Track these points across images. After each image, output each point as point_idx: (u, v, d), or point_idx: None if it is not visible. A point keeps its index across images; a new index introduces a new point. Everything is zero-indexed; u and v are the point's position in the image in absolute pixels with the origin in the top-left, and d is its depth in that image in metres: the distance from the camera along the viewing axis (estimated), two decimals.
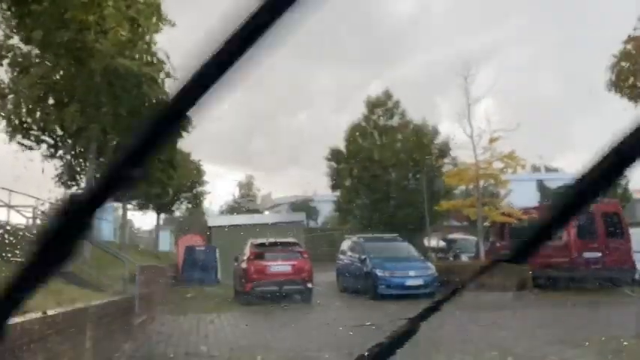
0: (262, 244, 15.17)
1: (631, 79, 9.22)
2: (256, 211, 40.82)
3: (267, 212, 43.13)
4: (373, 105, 25.00)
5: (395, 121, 24.66)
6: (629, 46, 9.16)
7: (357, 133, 24.67)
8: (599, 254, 15.26)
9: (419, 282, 14.98)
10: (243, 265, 14.92)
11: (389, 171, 23.70)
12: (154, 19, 13.64)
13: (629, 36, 9.11)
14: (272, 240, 15.55)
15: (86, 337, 5.26)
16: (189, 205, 34.98)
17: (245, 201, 41.60)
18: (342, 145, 25.58)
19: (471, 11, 63.12)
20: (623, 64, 9.23)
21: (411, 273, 15.15)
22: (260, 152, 62.22)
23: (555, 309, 12.50)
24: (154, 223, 34.47)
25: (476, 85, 18.58)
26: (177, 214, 38.21)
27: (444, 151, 23.47)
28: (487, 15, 63.63)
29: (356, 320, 11.61)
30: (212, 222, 30.02)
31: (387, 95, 25.08)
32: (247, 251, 15.19)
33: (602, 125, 48.97)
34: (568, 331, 9.10)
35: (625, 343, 7.76)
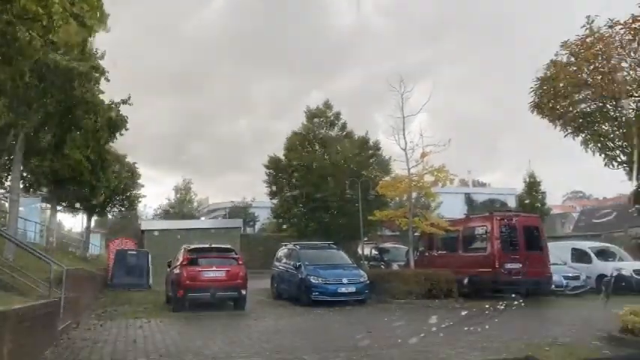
0: (196, 250, 15.01)
1: (551, 102, 9.90)
2: (192, 216, 40.17)
3: (203, 217, 42.57)
4: (313, 115, 25.33)
5: (335, 131, 25.10)
6: (550, 71, 9.85)
7: (297, 142, 24.91)
8: (520, 265, 16.16)
9: (351, 289, 15.34)
10: (176, 270, 14.71)
11: (327, 180, 24.06)
12: (97, 19, 13.32)
13: (550, 60, 9.80)
14: (206, 245, 15.42)
15: (3, 343, 5.11)
16: (123, 209, 33.97)
17: (181, 205, 40.83)
18: (281, 153, 25.74)
19: (409, 30, 65.32)
20: (545, 87, 9.90)
21: (344, 280, 15.47)
22: (198, 157, 61.35)
23: (477, 317, 13.14)
24: (85, 225, 33.21)
25: (411, 101, 19.25)
26: (110, 217, 36.98)
27: (380, 162, 24.11)
28: (423, 35, 66.01)
29: (288, 327, 11.77)
30: (146, 226, 29.33)
31: (327, 106, 25.49)
32: (181, 256, 14.99)
33: (526, 144, 51.73)
34: (489, 337, 9.64)
35: (546, 348, 8.33)
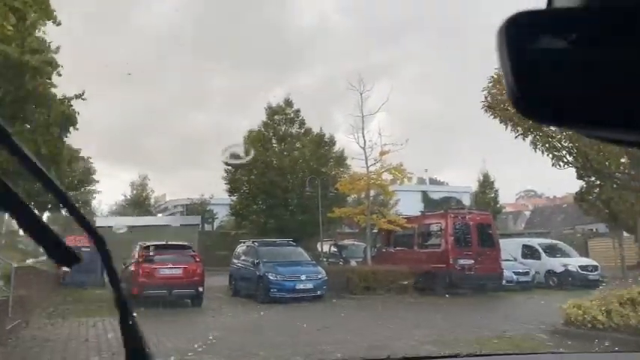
0: (152, 247, 14.81)
1: (503, 103, 10.20)
2: (149, 212, 39.46)
3: (160, 214, 41.86)
4: (273, 112, 25.31)
5: (294, 129, 25.15)
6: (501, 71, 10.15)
7: (257, 139, 24.84)
8: (473, 261, 16.63)
9: (309, 286, 15.44)
10: (132, 267, 14.48)
11: (286, 178, 24.11)
12: (40, 14, 12.93)
13: None
14: (162, 242, 15.23)
15: None
16: (77, 205, 33.03)
17: (137, 202, 40.03)
18: (240, 150, 25.62)
19: (368, 30, 65.86)
20: (498, 86, 10.19)
21: (302, 277, 15.56)
22: (155, 152, 60.14)
23: (431, 311, 13.49)
24: None
25: (370, 100, 19.54)
26: (63, 213, 35.93)
27: (340, 160, 24.33)
28: (382, 34, 66.64)
29: (245, 324, 11.78)
30: (100, 222, 28.66)
31: (288, 103, 25.51)
32: (136, 254, 14.77)
33: (480, 143, 53.24)
34: (440, 331, 9.92)
35: (495, 341, 8.64)
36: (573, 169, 12.85)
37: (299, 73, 65.76)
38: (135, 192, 40.64)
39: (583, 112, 0.48)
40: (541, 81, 0.48)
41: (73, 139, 21.17)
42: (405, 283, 16.19)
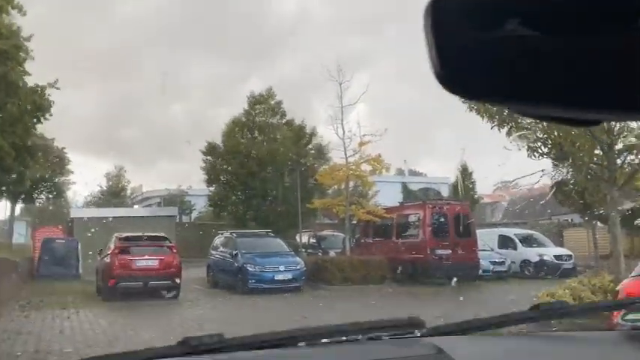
0: (128, 238, 14.65)
1: None
2: (125, 203, 38.94)
3: (137, 206, 41.32)
4: (255, 101, 25.10)
5: (276, 119, 24.99)
6: None
7: (237, 129, 24.59)
8: (450, 251, 16.81)
9: (288, 276, 15.45)
10: (107, 259, 14.31)
11: (266, 168, 23.98)
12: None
13: None
14: (139, 234, 15.07)
15: None
16: (50, 196, 32.44)
17: (114, 193, 39.47)
18: (219, 140, 25.39)
19: (348, 19, 65.54)
20: None
21: (281, 268, 15.55)
22: (131, 142, 59.17)
23: (409, 301, 13.62)
24: (9, 213, 31.47)
25: (350, 90, 19.48)
26: (38, 204, 35.20)
27: (320, 151, 24.28)
28: (362, 24, 66.47)
29: (224, 315, 11.74)
30: (75, 214, 28.20)
31: (270, 93, 25.31)
32: (112, 245, 14.59)
33: (459, 134, 53.68)
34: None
35: None
36: (549, 161, 13.06)
37: (277, 63, 65.33)
38: (111, 183, 40.03)
39: (505, 88, 0.48)
40: (464, 58, 0.48)
41: (47, 128, 20.76)
42: (384, 273, 16.31)
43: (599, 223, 24.61)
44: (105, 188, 39.92)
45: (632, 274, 2.60)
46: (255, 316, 11.43)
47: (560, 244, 24.22)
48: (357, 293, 14.46)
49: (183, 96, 66.92)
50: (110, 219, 26.49)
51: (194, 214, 38.89)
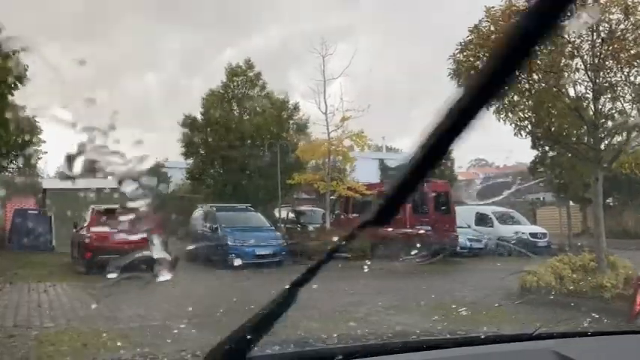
0: (106, 210, 14.33)
1: (471, 70, 10.14)
2: (100, 174, 38.15)
3: (111, 177, 40.55)
4: (233, 73, 24.54)
5: (255, 92, 24.55)
6: (472, 37, 10.03)
7: (216, 101, 24.07)
8: (429, 228, 16.93)
9: (269, 251, 15.39)
10: (84, 232, 14.00)
11: (245, 142, 23.64)
12: None
13: (475, 26, 9.96)
14: (117, 206, 14.71)
15: None
16: (20, 166, 31.47)
17: (87, 164, 38.55)
18: (197, 112, 24.88)
19: None
20: (465, 53, 10.11)
21: (262, 243, 15.48)
22: (105, 112, 57.70)
23: (391, 277, 13.69)
24: None
25: (330, 64, 19.17)
26: (8, 174, 34.17)
27: (301, 126, 24.01)
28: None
29: (205, 290, 11.61)
30: (48, 184, 27.48)
31: (249, 65, 24.78)
32: (88, 217, 14.26)
33: (433, 112, 53.75)
34: (402, 297, 10.07)
35: (454, 306, 8.79)
36: (528, 140, 13.13)
37: (255, 33, 64.11)
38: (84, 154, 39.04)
39: None
40: None
41: (19, 96, 19.98)
42: (364, 249, 16.33)
43: (571, 202, 25.16)
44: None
45: None
46: (238, 291, 11.34)
47: (534, 222, 24.68)
48: (337, 269, 14.45)
49: (158, 66, 65.37)
50: (84, 190, 25.91)
51: (171, 187, 38.36)
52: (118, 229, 13.74)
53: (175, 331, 7.18)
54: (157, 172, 38.12)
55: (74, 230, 15.49)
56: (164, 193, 37.22)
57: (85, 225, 14.15)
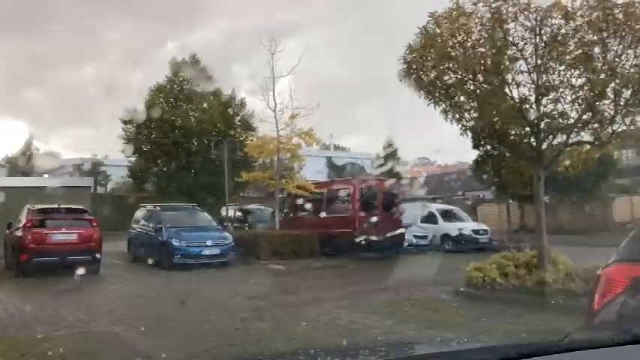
0: (42, 210, 13.60)
1: (419, 72, 10.26)
2: (35, 172, 36.34)
3: (47, 175, 38.70)
4: (178, 68, 23.91)
5: (201, 87, 24.02)
6: (420, 40, 10.13)
7: (160, 96, 23.35)
8: (377, 226, 17.07)
9: (215, 251, 15.07)
10: (18, 233, 13.23)
11: (191, 139, 23.10)
12: None
13: (423, 27, 10.06)
14: (55, 206, 14.05)
15: None
16: None
17: (21, 161, 36.64)
18: (140, 107, 24.06)
19: None
20: (413, 55, 10.20)
21: (208, 242, 15.14)
22: (39, 107, 55.03)
23: (340, 275, 13.74)
24: None
25: (280, 61, 18.96)
26: None
27: (248, 123, 23.70)
28: None
29: (149, 292, 11.22)
30: None
31: (194, 60, 24.24)
32: (24, 218, 13.49)
33: (387, 111, 54.66)
34: (351, 294, 10.09)
35: (404, 304, 8.88)
36: (469, 140, 13.43)
37: (198, 27, 62.85)
38: (18, 150, 37.11)
39: None
40: None
41: None
42: (313, 247, 16.34)
43: (510, 200, 26.17)
44: (10, 156, 36.98)
45: (613, 259, 2.62)
46: (185, 292, 11.04)
47: (475, 219, 25.47)
48: (287, 268, 14.38)
49: (95, 59, 62.94)
50: (17, 189, 24.62)
51: (110, 185, 37.05)
52: (57, 230, 13.16)
53: (120, 336, 6.89)
54: (96, 170, 36.74)
55: (7, 231, 14.64)
56: (103, 191, 35.93)
57: (20, 226, 13.38)
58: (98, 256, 13.39)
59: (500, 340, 1.28)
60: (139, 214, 17.68)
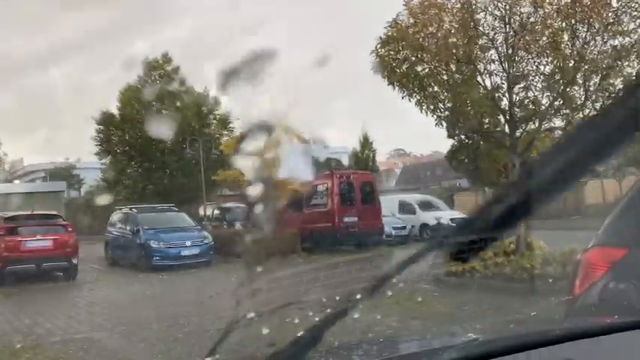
0: (15, 217, 13.35)
1: (392, 64, 10.30)
2: (4, 179, 35.50)
3: (17, 181, 37.84)
4: (151, 67, 23.56)
5: (174, 86, 23.73)
6: (391, 32, 10.17)
7: (133, 97, 22.97)
8: (356, 219, 17.19)
9: (195, 251, 14.96)
10: None
11: (166, 139, 22.83)
12: None
13: (393, 20, 10.09)
14: (27, 212, 13.78)
15: None
16: None
17: None
18: (112, 108, 23.64)
19: None
20: (387, 48, 10.24)
21: (187, 243, 15.03)
22: (5, 111, 53.62)
23: (319, 269, 13.72)
24: None
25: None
26: None
27: (223, 120, 23.51)
28: None
29: (129, 296, 11.07)
30: None
31: (166, 59, 23.92)
32: None
33: (363, 104, 54.82)
34: (334, 288, 10.10)
35: (390, 293, 8.90)
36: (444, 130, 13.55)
37: (166, 25, 61.99)
38: None
39: None
40: None
41: None
42: (294, 243, 16.30)
43: (486, 188, 26.48)
44: None
45: (592, 243, 2.67)
46: (165, 295, 10.92)
47: (452, 208, 25.74)
48: (269, 265, 14.31)
49: (62, 59, 61.58)
50: None
51: (84, 189, 36.40)
52: (31, 237, 12.88)
53: (101, 343, 6.78)
54: (68, 174, 36.05)
55: None
56: (76, 195, 35.29)
57: None
58: (75, 261, 13.19)
59: (495, 332, 1.28)
60: (115, 217, 17.42)
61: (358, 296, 1.03)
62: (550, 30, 9.00)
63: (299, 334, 0.96)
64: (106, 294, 11.33)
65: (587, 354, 1.08)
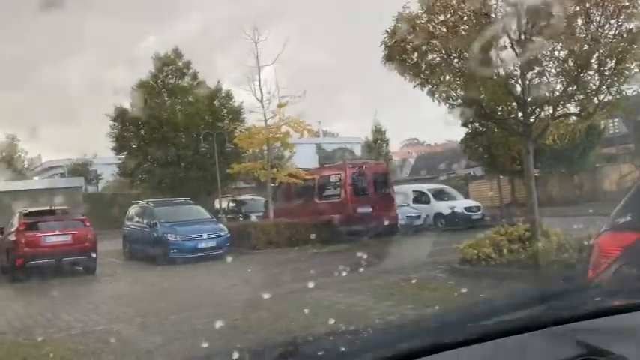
0: (35, 213, 13.64)
1: (402, 55, 10.24)
2: (23, 176, 36.07)
3: (36, 178, 38.42)
4: (162, 63, 23.68)
5: (186, 81, 23.84)
6: (399, 24, 10.11)
7: (146, 92, 23.11)
8: (370, 209, 17.18)
9: (211, 244, 15.10)
10: (12, 237, 13.20)
11: (179, 133, 22.99)
12: None
13: (399, 13, 10.04)
14: (47, 208, 14.04)
15: None
16: None
17: (7, 165, 36.31)
18: (127, 104, 23.84)
19: None
20: (395, 39, 10.18)
21: (204, 235, 15.17)
22: (22, 109, 54.28)
23: (337, 260, 13.77)
24: None
25: (264, 50, 18.72)
26: None
27: (236, 114, 23.59)
28: None
29: (148, 288, 11.25)
30: None
31: (177, 54, 24.02)
32: (16, 222, 13.45)
33: (374, 95, 54.51)
34: (350, 278, 10.14)
35: (402, 284, 8.94)
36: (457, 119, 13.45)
37: (178, 20, 62.12)
38: (4, 154, 36.72)
39: None
40: None
41: None
42: (308, 234, 16.35)
43: (501, 176, 26.27)
44: None
45: (605, 228, 2.66)
46: (183, 287, 11.07)
47: (467, 196, 25.61)
48: (283, 256, 14.43)
49: (77, 57, 62.16)
50: (6, 193, 24.49)
51: (101, 184, 36.85)
52: (51, 232, 13.12)
53: (121, 335, 6.91)
54: (85, 170, 36.50)
55: (0, 236, 14.58)
56: (94, 190, 35.74)
57: (14, 230, 13.33)
58: (94, 255, 13.39)
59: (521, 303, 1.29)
60: (132, 211, 17.63)
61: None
62: (564, 14, 8.87)
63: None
64: (125, 287, 11.53)
65: (598, 332, 1.10)
